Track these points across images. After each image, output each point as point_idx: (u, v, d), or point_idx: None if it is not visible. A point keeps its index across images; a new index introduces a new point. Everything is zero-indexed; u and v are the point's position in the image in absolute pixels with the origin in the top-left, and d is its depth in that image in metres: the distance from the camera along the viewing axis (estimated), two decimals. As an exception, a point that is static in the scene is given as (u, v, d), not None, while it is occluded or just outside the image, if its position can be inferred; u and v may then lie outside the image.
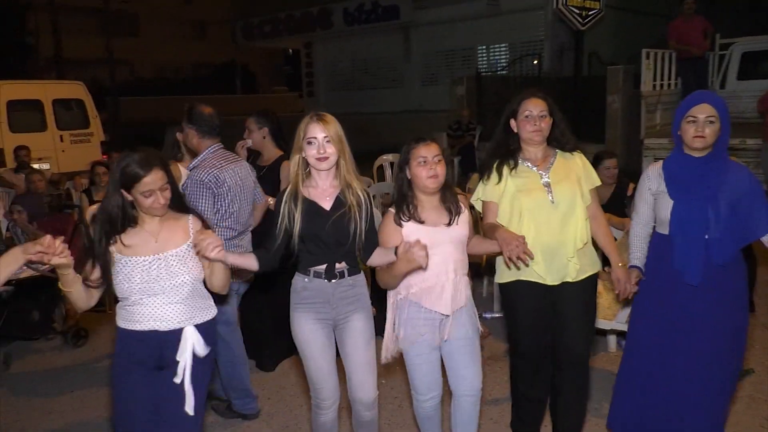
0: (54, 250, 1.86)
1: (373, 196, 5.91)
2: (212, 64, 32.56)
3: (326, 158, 2.30)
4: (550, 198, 2.52)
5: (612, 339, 3.93)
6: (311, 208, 2.35)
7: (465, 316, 2.50)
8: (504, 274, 2.63)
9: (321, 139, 2.29)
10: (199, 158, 3.12)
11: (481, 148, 10.35)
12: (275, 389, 3.63)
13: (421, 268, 2.25)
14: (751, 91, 7.08)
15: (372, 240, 2.43)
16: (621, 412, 2.76)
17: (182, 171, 3.47)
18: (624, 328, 3.39)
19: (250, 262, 2.33)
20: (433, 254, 2.27)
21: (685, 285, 2.46)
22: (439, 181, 2.38)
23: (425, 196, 2.43)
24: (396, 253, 2.27)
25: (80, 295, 2.08)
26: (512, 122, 2.60)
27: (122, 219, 2.11)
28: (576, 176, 2.58)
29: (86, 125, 10.05)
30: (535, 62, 13.02)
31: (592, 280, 2.63)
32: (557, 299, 2.58)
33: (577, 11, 7.67)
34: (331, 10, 17.24)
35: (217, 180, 3.02)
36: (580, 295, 2.59)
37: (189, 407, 2.14)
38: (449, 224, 2.43)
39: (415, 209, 2.41)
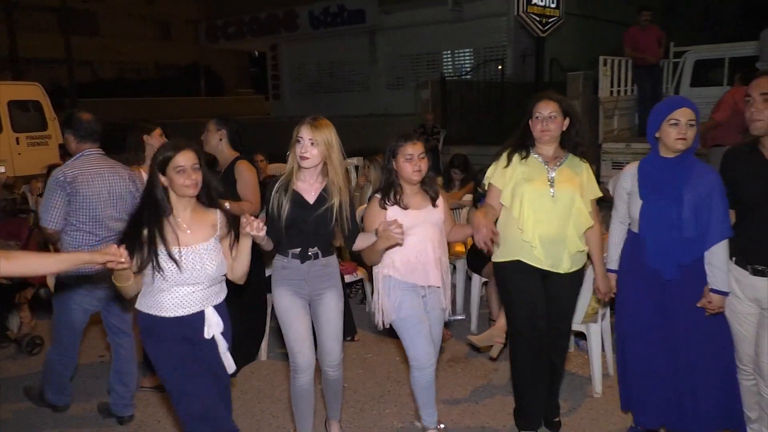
0: (119, 258, 2.00)
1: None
2: (176, 65, 32.07)
3: (307, 158, 2.58)
4: (551, 192, 2.71)
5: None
6: (297, 198, 2.65)
7: (441, 293, 2.85)
8: (502, 252, 2.83)
9: (306, 141, 2.58)
10: (70, 160, 3.19)
11: (445, 151, 10.45)
12: (237, 394, 3.62)
13: (399, 244, 2.57)
14: (703, 98, 7.32)
15: (354, 231, 2.77)
16: (630, 394, 2.85)
17: (144, 176, 3.42)
18: (580, 328, 3.49)
19: (269, 244, 2.62)
20: (412, 234, 2.67)
21: (660, 280, 2.57)
22: (422, 174, 2.72)
23: (409, 186, 2.76)
24: (376, 233, 2.58)
25: (133, 285, 2.25)
26: (530, 122, 2.77)
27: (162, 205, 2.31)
28: (579, 183, 2.75)
29: (44, 127, 9.78)
30: (499, 67, 13.21)
31: (580, 272, 2.87)
32: (548, 285, 2.80)
33: (538, 18, 7.83)
34: (296, 13, 17.19)
35: (74, 180, 3.06)
36: (569, 284, 2.84)
37: (230, 368, 2.48)
38: (429, 207, 2.77)
39: (401, 196, 2.74)
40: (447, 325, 4.32)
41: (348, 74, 18.09)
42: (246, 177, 3.54)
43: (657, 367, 2.71)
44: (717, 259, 2.51)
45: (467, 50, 15.58)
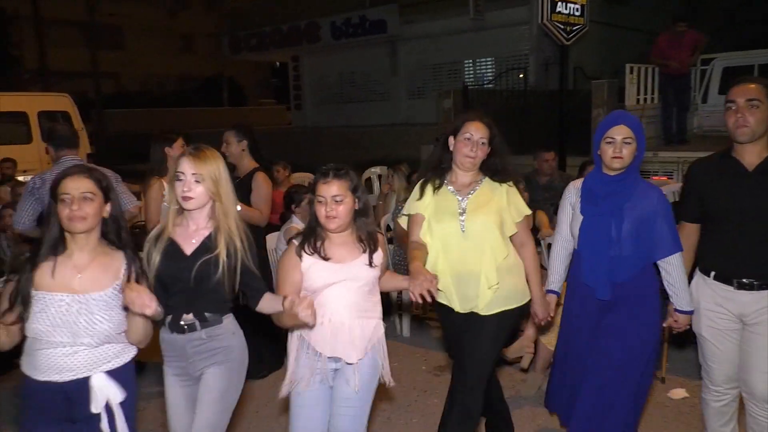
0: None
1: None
2: (199, 76, 32.56)
3: (190, 198, 2.10)
4: (461, 227, 2.49)
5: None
6: (171, 249, 2.13)
7: (367, 364, 2.26)
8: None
9: (188, 176, 2.10)
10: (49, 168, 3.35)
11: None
12: (254, 408, 3.60)
13: (307, 326, 2.10)
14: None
15: (256, 287, 2.22)
16: (557, 398, 2.78)
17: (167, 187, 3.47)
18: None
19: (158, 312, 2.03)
20: (332, 292, 2.19)
21: (596, 299, 2.48)
22: (338, 222, 2.17)
23: (335, 233, 2.25)
24: (283, 304, 2.02)
25: (4, 338, 1.92)
26: (451, 140, 2.54)
27: (54, 241, 1.92)
28: (497, 207, 2.51)
29: (72, 137, 9.97)
30: (521, 76, 13.15)
31: (506, 315, 2.54)
32: (465, 328, 2.56)
33: (562, 26, 7.76)
34: (318, 24, 17.33)
35: (42, 185, 3.17)
36: (486, 328, 2.52)
37: None
38: (358, 262, 2.24)
39: (322, 244, 2.22)
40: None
41: (369, 84, 18.17)
42: (262, 188, 3.70)
43: (584, 389, 2.58)
44: (675, 279, 2.46)
45: (489, 59, 15.54)
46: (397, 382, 3.79)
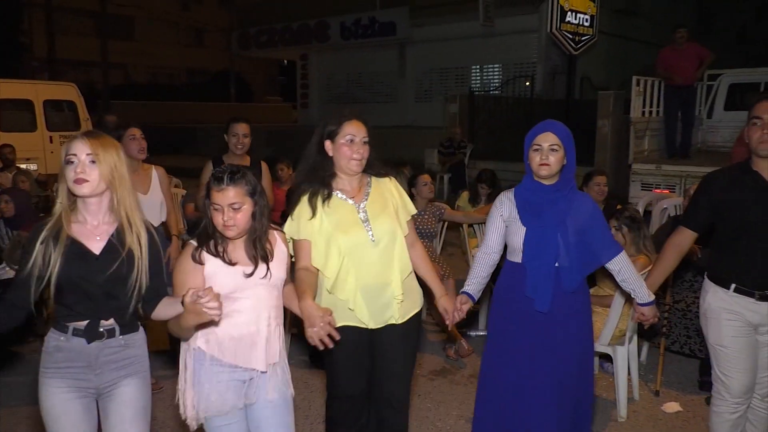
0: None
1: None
2: (208, 71, 32.57)
3: (84, 181, 1.87)
4: (370, 235, 2.31)
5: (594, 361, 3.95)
6: (75, 249, 1.91)
7: (279, 374, 2.15)
8: None
9: (83, 157, 1.88)
10: None
11: (471, 166, 10.42)
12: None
13: (214, 322, 1.90)
14: (737, 122, 7.20)
15: (156, 288, 2.03)
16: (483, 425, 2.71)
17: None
18: (606, 350, 3.42)
19: None
20: (239, 298, 2.03)
21: (535, 312, 2.46)
22: (237, 230, 2.01)
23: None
24: (183, 303, 1.81)
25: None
26: (328, 144, 2.34)
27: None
28: (393, 207, 2.40)
29: (77, 127, 10.00)
30: (528, 84, 13.17)
31: (417, 319, 2.48)
32: (378, 342, 2.39)
33: (571, 36, 7.79)
34: (328, 24, 17.36)
35: None
36: (404, 337, 2.42)
37: None
38: (261, 266, 2.07)
39: (224, 248, 2.04)
40: (468, 339, 4.30)
41: (377, 85, 18.20)
42: (266, 178, 3.92)
43: (515, 408, 2.55)
44: (628, 275, 2.49)
45: (496, 65, 15.57)
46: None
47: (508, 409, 2.58)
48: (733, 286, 2.44)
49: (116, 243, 1.95)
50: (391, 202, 2.41)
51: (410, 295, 2.43)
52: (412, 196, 4.77)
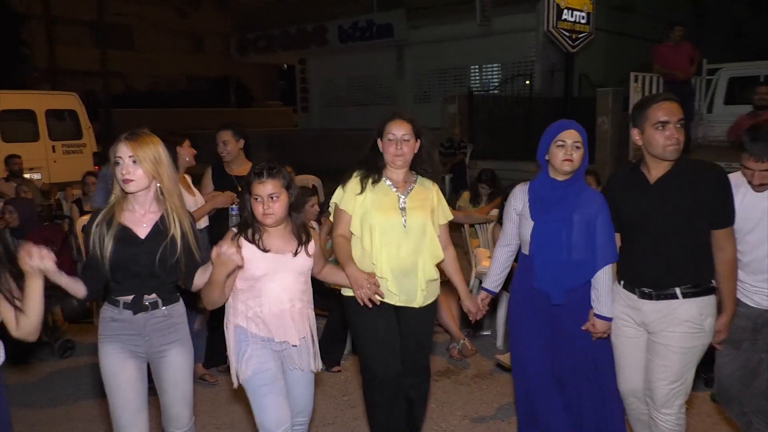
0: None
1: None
2: (207, 77, 32.63)
3: (130, 180, 2.15)
4: (403, 222, 2.57)
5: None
6: (124, 234, 2.20)
7: (307, 348, 2.43)
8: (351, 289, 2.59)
9: (126, 160, 2.15)
10: None
11: (472, 166, 10.43)
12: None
13: (239, 267, 2.21)
14: (737, 116, 7.21)
15: (193, 266, 2.33)
16: (528, 421, 2.78)
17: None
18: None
19: (77, 287, 2.18)
20: (269, 281, 2.32)
21: (549, 304, 2.53)
22: (275, 218, 2.30)
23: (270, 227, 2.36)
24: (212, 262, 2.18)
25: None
26: (379, 142, 2.62)
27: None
28: (430, 207, 2.65)
29: (79, 136, 10.06)
30: (527, 82, 13.18)
31: (434, 304, 2.75)
32: (402, 319, 2.65)
33: (567, 34, 7.81)
34: (325, 27, 17.40)
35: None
36: (423, 316, 2.68)
37: None
38: (295, 254, 2.37)
39: (260, 237, 2.34)
40: (473, 339, 4.32)
41: (375, 88, 18.22)
42: None
43: (547, 393, 2.65)
44: (600, 284, 2.50)
45: (495, 65, 15.58)
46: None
47: (541, 402, 2.65)
48: (622, 282, 2.50)
49: (161, 228, 2.24)
50: (429, 202, 2.65)
51: (431, 284, 2.65)
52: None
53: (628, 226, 2.48)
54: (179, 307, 2.38)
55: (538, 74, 13.73)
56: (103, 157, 9.49)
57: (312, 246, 2.43)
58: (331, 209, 2.71)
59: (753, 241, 2.54)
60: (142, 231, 2.23)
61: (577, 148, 2.46)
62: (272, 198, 2.29)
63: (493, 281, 2.81)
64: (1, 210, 4.98)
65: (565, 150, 2.46)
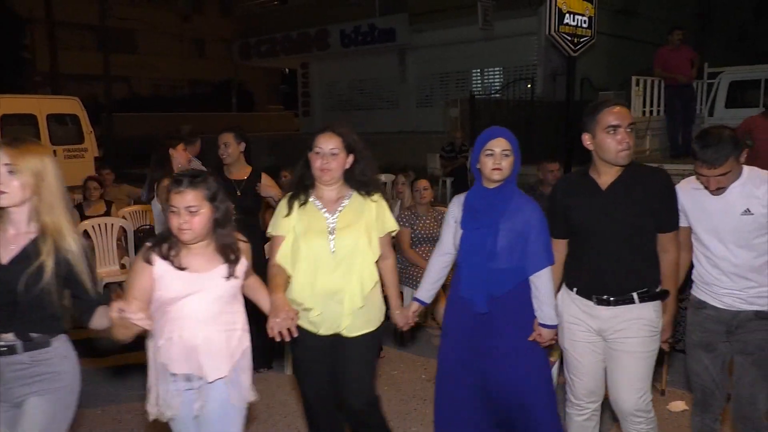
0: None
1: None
2: (210, 81, 32.73)
3: (2, 192, 1.84)
4: (331, 246, 2.43)
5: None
6: None
7: (233, 380, 2.13)
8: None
9: (2, 169, 1.84)
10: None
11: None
12: (262, 408, 3.62)
13: (145, 331, 1.89)
14: (738, 119, 7.19)
15: (87, 300, 1.96)
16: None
17: None
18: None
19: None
20: (188, 304, 2.03)
21: (473, 313, 2.50)
22: (192, 234, 2.01)
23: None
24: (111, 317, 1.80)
25: None
26: (309, 155, 2.49)
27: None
28: (365, 223, 2.48)
29: (80, 140, 10.07)
30: (529, 86, 13.17)
31: (370, 338, 2.53)
32: (335, 350, 2.50)
33: (569, 37, 7.79)
34: (327, 32, 17.42)
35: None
36: (356, 350, 2.50)
37: None
38: (217, 272, 2.09)
39: (177, 253, 2.05)
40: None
41: (378, 92, 18.24)
42: (277, 189, 4.00)
43: (466, 410, 2.59)
44: (542, 293, 2.48)
45: (497, 69, 15.58)
46: (396, 390, 3.80)
47: (464, 410, 2.59)
48: (575, 289, 2.49)
49: (30, 251, 1.87)
50: (365, 217, 2.48)
51: (367, 312, 2.49)
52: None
53: (580, 232, 2.47)
54: (50, 353, 1.93)
55: (539, 78, 13.72)
56: (105, 162, 9.52)
57: (243, 265, 2.16)
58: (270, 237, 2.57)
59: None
60: (7, 254, 1.87)
61: (506, 156, 2.45)
62: (191, 211, 1.99)
63: (426, 291, 2.74)
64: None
65: (494, 158, 2.45)
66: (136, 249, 5.61)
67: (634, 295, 2.38)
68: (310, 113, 20.10)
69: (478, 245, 2.47)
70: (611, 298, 2.39)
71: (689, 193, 2.53)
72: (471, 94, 12.75)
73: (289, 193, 2.53)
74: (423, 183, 4.76)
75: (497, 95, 13.67)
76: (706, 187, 2.44)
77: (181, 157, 3.74)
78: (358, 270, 2.44)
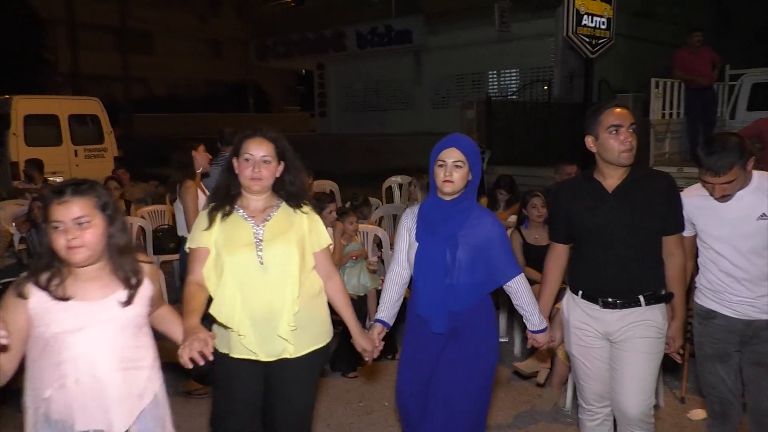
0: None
1: (381, 218, 5.99)
2: (227, 82, 32.99)
3: None
4: (259, 259, 2.16)
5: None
6: None
7: (145, 425, 1.80)
8: (218, 343, 2.12)
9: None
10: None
11: (490, 171, 10.38)
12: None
13: (2, 348, 1.58)
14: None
15: None
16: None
17: (194, 189, 3.62)
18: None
19: None
20: (79, 340, 1.69)
21: (432, 333, 2.34)
22: (86, 252, 1.69)
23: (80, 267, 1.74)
24: None
25: None
26: (234, 162, 2.24)
27: None
28: (297, 235, 2.24)
29: (101, 140, 10.23)
30: (545, 88, 13.11)
31: (317, 355, 2.33)
32: (272, 378, 2.24)
33: (587, 39, 7.74)
34: (344, 33, 17.49)
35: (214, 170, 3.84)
36: (299, 373, 2.26)
37: None
38: (113, 299, 1.76)
39: (61, 281, 1.71)
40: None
41: (393, 93, 18.27)
42: None
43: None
44: (523, 300, 2.40)
45: (513, 70, 15.54)
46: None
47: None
48: (580, 292, 2.46)
49: None
50: (296, 228, 2.26)
51: (311, 327, 2.28)
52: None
53: (585, 237, 2.43)
54: None
55: (557, 80, 13.66)
56: (124, 162, 9.63)
57: (147, 290, 1.83)
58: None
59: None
60: None
61: (458, 167, 2.28)
62: (80, 223, 1.67)
63: (388, 311, 2.48)
64: (30, 206, 5.09)
65: (445, 170, 2.28)
66: (155, 248, 5.67)
67: (641, 297, 2.36)
68: (327, 114, 20.20)
69: (436, 260, 2.31)
70: (618, 301, 2.37)
71: (696, 201, 2.50)
72: (487, 96, 12.71)
73: (211, 205, 2.25)
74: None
75: (513, 97, 13.62)
76: (711, 194, 2.42)
77: (202, 159, 3.78)
78: (291, 284, 2.18)
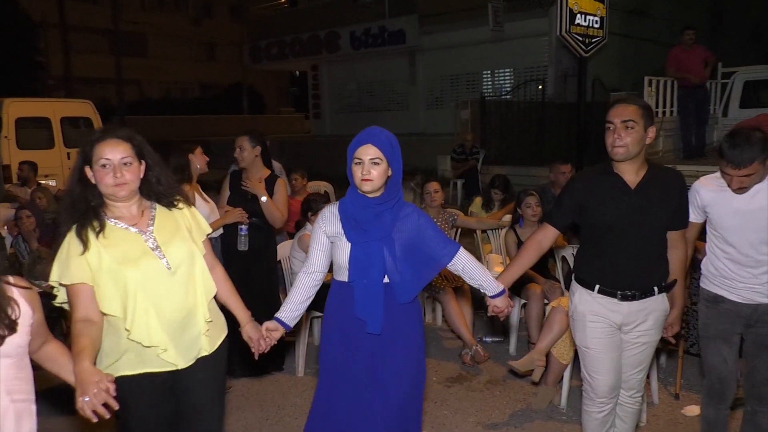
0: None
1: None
2: (220, 84, 32.95)
3: None
4: (165, 263, 2.03)
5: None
6: None
7: None
8: (112, 367, 2.00)
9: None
10: None
11: (484, 171, 10.40)
12: (274, 410, 3.62)
13: None
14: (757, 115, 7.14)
15: None
16: None
17: (192, 193, 3.60)
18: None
19: None
20: None
21: (366, 334, 2.27)
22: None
23: None
24: None
25: None
26: (87, 170, 2.01)
27: None
28: (186, 228, 2.14)
29: (93, 143, 10.17)
30: (539, 87, 13.13)
31: (224, 346, 2.24)
32: (183, 382, 2.11)
33: (581, 38, 7.75)
34: (338, 34, 17.47)
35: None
36: (213, 369, 2.18)
37: None
38: None
39: None
40: (484, 345, 4.28)
41: (388, 94, 18.26)
42: (281, 194, 3.95)
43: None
44: (472, 269, 2.37)
45: (507, 70, 15.55)
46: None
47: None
48: (597, 287, 2.47)
49: None
50: (183, 222, 2.14)
51: (217, 317, 2.22)
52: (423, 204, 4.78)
53: (604, 230, 2.43)
54: None
55: (550, 79, 13.66)
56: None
57: (26, 317, 1.63)
58: (59, 294, 2.02)
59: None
60: None
61: (376, 164, 2.19)
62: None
63: (291, 312, 2.34)
64: (15, 218, 5.03)
65: (362, 168, 2.20)
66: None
67: (655, 288, 2.46)
68: (321, 115, 20.17)
69: (372, 260, 2.23)
70: (637, 293, 2.43)
71: (713, 191, 2.60)
72: (481, 96, 12.73)
73: (75, 225, 1.97)
74: (434, 185, 4.72)
75: (508, 96, 13.64)
76: (729, 185, 2.50)
77: (198, 161, 3.75)
78: (200, 281, 2.11)
